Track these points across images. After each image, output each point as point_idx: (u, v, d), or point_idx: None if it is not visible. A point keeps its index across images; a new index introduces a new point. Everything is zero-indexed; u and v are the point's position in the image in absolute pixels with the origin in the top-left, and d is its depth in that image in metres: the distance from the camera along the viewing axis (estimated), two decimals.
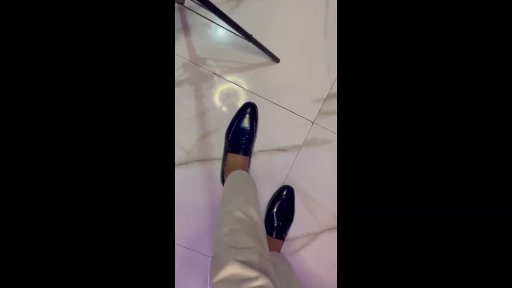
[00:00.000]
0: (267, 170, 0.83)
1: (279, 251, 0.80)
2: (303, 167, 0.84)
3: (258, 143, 0.81)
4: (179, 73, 0.76)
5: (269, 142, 0.82)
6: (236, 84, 0.78)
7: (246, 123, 0.75)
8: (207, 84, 0.77)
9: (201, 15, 0.60)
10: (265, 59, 0.76)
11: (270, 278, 0.40)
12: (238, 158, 0.72)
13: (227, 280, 0.39)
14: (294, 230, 0.86)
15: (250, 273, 0.39)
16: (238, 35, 0.58)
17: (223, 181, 0.78)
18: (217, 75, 0.77)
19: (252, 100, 0.78)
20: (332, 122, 0.82)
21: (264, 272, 0.40)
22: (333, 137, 0.83)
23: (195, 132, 0.80)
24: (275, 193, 0.83)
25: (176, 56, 0.75)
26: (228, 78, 0.77)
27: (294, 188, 0.84)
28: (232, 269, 0.39)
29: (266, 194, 0.85)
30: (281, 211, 0.81)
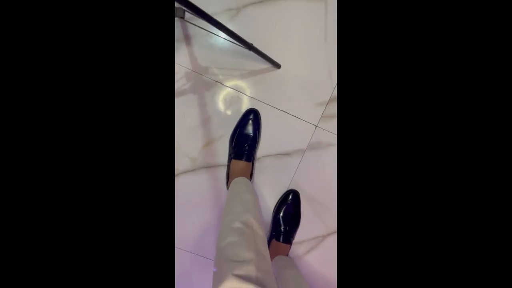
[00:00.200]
0: (272, 174, 0.84)
1: (287, 255, 0.81)
2: (308, 171, 0.84)
3: (263, 148, 0.82)
4: (182, 83, 0.77)
5: (273, 147, 0.82)
6: (238, 91, 0.79)
7: (248, 129, 0.76)
8: (210, 92, 0.79)
9: (201, 27, 0.61)
10: (266, 65, 0.77)
11: (264, 286, 0.40)
12: (241, 164, 0.74)
13: None
14: (301, 234, 0.87)
15: (246, 286, 0.40)
16: (238, 45, 0.59)
17: (228, 187, 0.79)
18: (220, 83, 0.78)
19: (255, 106, 0.79)
20: (335, 125, 0.82)
21: (261, 284, 0.41)
22: (337, 140, 0.83)
23: (200, 140, 0.81)
24: (280, 197, 0.84)
25: (178, 66, 0.76)
26: (231, 85, 0.79)
27: (299, 192, 0.84)
28: (229, 284, 0.40)
29: (271, 199, 0.85)
30: (287, 215, 0.81)
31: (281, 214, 0.81)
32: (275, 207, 0.84)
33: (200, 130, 0.80)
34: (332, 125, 0.82)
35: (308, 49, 0.78)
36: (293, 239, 0.83)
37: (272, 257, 0.77)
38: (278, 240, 0.79)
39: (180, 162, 0.82)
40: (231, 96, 0.79)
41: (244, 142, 0.75)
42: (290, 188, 0.84)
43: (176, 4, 0.40)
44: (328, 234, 0.89)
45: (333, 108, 0.81)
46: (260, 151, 0.82)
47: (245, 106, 0.79)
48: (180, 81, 0.77)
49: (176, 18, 0.67)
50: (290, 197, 0.82)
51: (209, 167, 0.83)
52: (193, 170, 0.83)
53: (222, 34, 0.75)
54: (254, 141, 0.76)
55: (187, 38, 0.76)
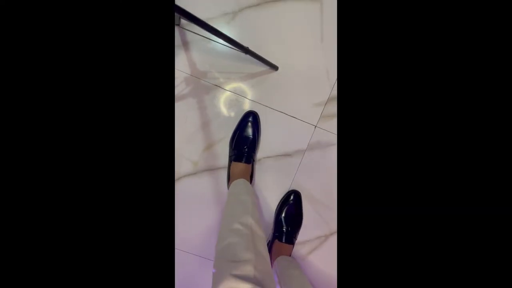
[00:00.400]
0: (273, 176, 0.84)
1: (290, 256, 0.81)
2: (308, 171, 0.84)
3: (263, 150, 0.83)
4: (182, 87, 0.79)
5: (273, 148, 0.83)
6: (237, 94, 0.80)
7: (248, 131, 0.77)
8: (209, 96, 0.80)
9: (196, 33, 0.62)
10: (264, 67, 0.78)
11: (262, 285, 0.41)
12: (241, 166, 0.74)
13: None
14: (303, 234, 0.87)
15: (244, 285, 0.40)
16: (235, 49, 0.60)
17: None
18: (218, 86, 0.79)
19: (254, 108, 0.80)
20: (334, 125, 0.82)
21: (259, 283, 0.41)
22: (336, 140, 0.83)
23: (200, 143, 0.82)
24: (282, 198, 0.84)
25: (177, 71, 0.77)
26: (229, 88, 0.80)
27: (301, 192, 0.85)
28: (228, 284, 0.41)
29: (273, 200, 0.86)
30: (289, 216, 0.82)
31: (283, 214, 0.81)
32: (277, 208, 0.85)
33: (200, 134, 0.81)
34: (331, 125, 0.82)
35: (305, 50, 0.79)
36: (296, 239, 0.84)
37: (275, 257, 0.77)
38: (280, 240, 0.79)
39: (182, 165, 0.83)
40: (230, 99, 0.80)
41: (243, 144, 0.76)
42: (291, 188, 0.85)
43: None
44: (331, 234, 0.89)
45: (332, 108, 0.81)
46: (261, 153, 0.83)
47: (244, 108, 0.80)
48: (180, 86, 0.78)
49: None
50: (292, 197, 0.83)
51: (211, 170, 0.83)
52: (195, 173, 0.84)
53: (218, 39, 0.76)
54: (253, 143, 0.77)
55: (185, 44, 0.77)
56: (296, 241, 0.86)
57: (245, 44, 0.61)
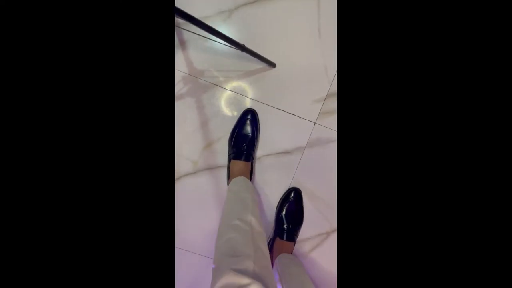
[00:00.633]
0: (273, 173, 0.84)
1: (291, 253, 0.81)
2: (308, 168, 0.84)
3: (262, 148, 0.82)
4: (180, 87, 0.78)
5: (273, 146, 0.83)
6: (235, 92, 0.80)
7: (247, 129, 0.76)
8: (207, 94, 0.79)
9: (193, 32, 0.62)
10: (262, 65, 0.78)
11: (264, 282, 0.41)
12: (240, 164, 0.74)
13: None
14: (305, 231, 0.87)
15: (243, 280, 0.40)
16: (232, 47, 0.60)
17: None
18: (216, 85, 0.79)
19: (252, 106, 0.80)
20: (333, 121, 0.82)
21: (258, 278, 0.41)
22: (336, 136, 0.83)
23: (200, 142, 0.82)
24: (282, 195, 0.84)
25: (175, 71, 0.77)
26: (227, 86, 0.79)
27: (301, 190, 0.84)
28: (228, 279, 0.41)
29: (274, 198, 0.86)
30: (289, 213, 0.81)
31: (284, 212, 0.81)
32: (277, 205, 0.85)
33: (199, 133, 0.81)
34: (330, 121, 0.82)
35: (302, 47, 0.78)
36: (297, 237, 0.84)
37: (276, 255, 0.77)
38: (281, 238, 0.79)
39: (182, 165, 0.83)
40: (228, 98, 0.80)
41: (242, 142, 0.76)
42: (291, 186, 0.85)
43: None
44: (332, 231, 0.89)
45: (331, 104, 0.81)
46: (260, 151, 0.83)
47: (242, 106, 0.80)
48: (177, 86, 0.78)
49: None
50: (292, 195, 0.82)
51: (210, 169, 0.83)
52: (195, 172, 0.84)
53: (214, 38, 0.76)
54: (252, 141, 0.76)
55: (182, 43, 0.76)
56: (298, 239, 0.86)
57: (241, 41, 0.61)
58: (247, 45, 0.63)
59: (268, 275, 0.44)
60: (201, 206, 0.86)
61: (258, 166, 0.83)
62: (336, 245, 0.89)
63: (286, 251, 0.79)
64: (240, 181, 0.68)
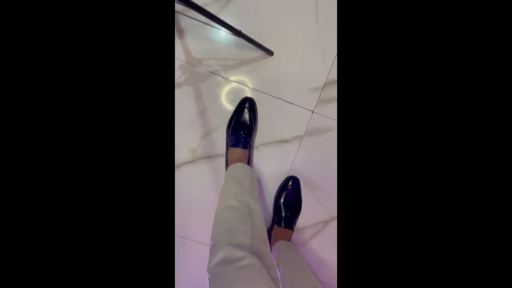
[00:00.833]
0: (271, 162, 0.85)
1: (289, 241, 0.81)
2: (307, 157, 0.84)
3: (260, 137, 0.83)
4: (178, 75, 0.79)
5: (271, 135, 0.83)
6: (233, 81, 0.80)
7: (244, 117, 0.77)
8: (205, 83, 0.80)
9: (191, 17, 0.62)
10: (259, 53, 0.78)
11: (259, 257, 0.42)
12: (238, 151, 0.75)
13: (219, 263, 0.42)
14: (303, 220, 0.87)
15: (239, 254, 0.41)
16: (228, 32, 0.60)
17: None
18: (214, 73, 0.79)
19: (250, 95, 0.80)
20: (331, 110, 0.82)
21: (254, 252, 0.42)
22: (334, 125, 0.83)
23: (198, 131, 0.82)
24: (281, 184, 0.85)
25: None
26: (225, 75, 0.79)
27: (299, 178, 0.85)
28: (224, 253, 0.42)
29: (272, 186, 0.86)
30: (288, 201, 0.82)
31: (282, 200, 0.82)
32: (275, 194, 0.85)
33: (198, 122, 0.82)
34: (328, 110, 0.82)
35: (300, 34, 0.78)
36: (295, 225, 0.84)
37: (274, 242, 0.78)
38: (279, 225, 0.80)
39: (180, 153, 0.83)
40: (226, 86, 0.80)
41: (240, 130, 0.76)
42: (290, 174, 0.85)
43: None
44: (331, 219, 0.89)
45: (329, 93, 0.81)
46: (258, 139, 0.83)
47: (240, 95, 0.80)
48: (176, 74, 0.79)
49: None
50: (290, 183, 0.83)
51: (209, 157, 0.84)
52: (193, 161, 0.84)
53: (212, 23, 0.76)
54: (250, 129, 0.77)
55: (180, 31, 0.77)
56: (296, 227, 0.86)
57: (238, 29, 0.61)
58: (244, 33, 0.63)
59: (264, 251, 0.45)
60: (199, 194, 0.86)
61: (256, 155, 0.84)
62: (335, 234, 0.89)
63: (284, 238, 0.79)
64: (238, 166, 0.68)
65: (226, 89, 0.80)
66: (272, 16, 0.77)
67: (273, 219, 0.83)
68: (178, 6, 0.73)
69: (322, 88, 0.80)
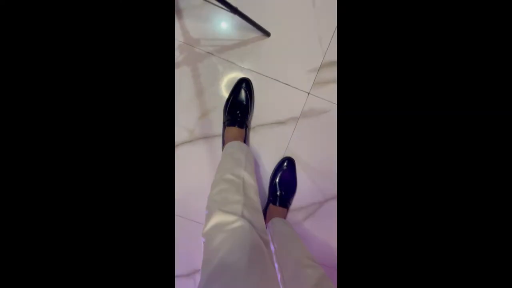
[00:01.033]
0: (267, 143, 0.86)
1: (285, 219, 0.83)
2: (302, 138, 0.86)
3: (256, 118, 0.84)
4: (176, 55, 0.80)
5: (267, 116, 0.84)
6: (230, 61, 0.81)
7: (241, 97, 0.78)
8: (203, 63, 0.81)
9: None
10: (257, 34, 0.79)
11: (252, 223, 0.43)
12: (234, 130, 0.76)
13: (213, 228, 0.44)
14: (298, 200, 0.89)
15: (231, 218, 0.43)
16: (224, 9, 0.61)
17: None
18: (212, 54, 0.80)
19: (247, 75, 0.81)
20: (327, 92, 0.83)
21: (246, 218, 0.44)
22: (330, 106, 0.84)
23: (196, 111, 0.84)
24: (276, 165, 0.86)
25: None
26: (223, 56, 0.81)
27: (295, 160, 0.86)
28: (217, 218, 0.44)
29: (268, 167, 0.88)
30: (283, 181, 0.84)
31: (277, 180, 0.83)
32: (271, 174, 0.87)
33: (195, 102, 0.83)
34: (324, 92, 0.83)
35: (297, 16, 0.79)
36: (290, 204, 0.86)
37: (269, 219, 0.80)
38: (275, 204, 0.82)
39: (178, 133, 0.85)
40: (224, 67, 0.81)
41: (236, 109, 0.78)
42: (285, 155, 0.87)
43: None
44: (326, 201, 0.91)
45: (325, 75, 0.82)
46: (254, 120, 0.84)
47: (237, 75, 0.82)
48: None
49: None
50: (286, 164, 0.84)
51: (206, 137, 0.85)
52: (190, 141, 0.86)
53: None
54: (246, 108, 0.78)
55: (178, 12, 0.78)
56: (291, 207, 0.88)
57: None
58: (241, 11, 0.64)
59: (257, 219, 0.47)
60: (197, 174, 0.88)
61: (252, 136, 0.85)
62: (329, 215, 0.91)
63: (279, 216, 0.81)
64: (234, 144, 0.70)
65: (223, 69, 0.81)
66: None
67: (268, 198, 0.85)
68: None
69: (318, 70, 0.82)
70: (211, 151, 0.86)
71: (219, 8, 0.64)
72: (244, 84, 0.78)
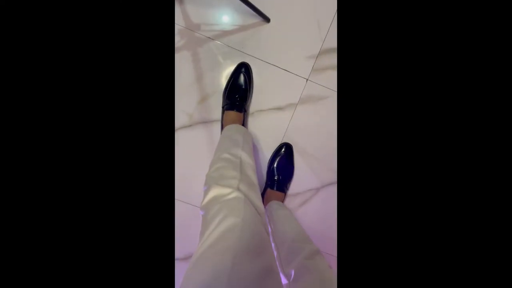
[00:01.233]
0: (265, 129, 0.87)
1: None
2: (300, 124, 0.87)
3: (255, 103, 0.85)
4: (176, 40, 0.81)
5: (265, 101, 0.85)
6: (230, 46, 0.82)
7: (240, 82, 0.79)
8: (203, 48, 0.82)
9: None
10: (257, 19, 0.80)
11: (247, 197, 0.45)
12: (233, 114, 0.77)
13: (210, 201, 0.46)
14: (295, 186, 0.90)
15: (226, 191, 0.45)
16: None
17: None
18: (212, 39, 0.81)
19: (246, 60, 0.82)
20: (326, 78, 0.84)
21: (244, 194, 0.45)
22: (328, 93, 0.85)
23: (195, 96, 0.85)
24: (274, 150, 0.88)
25: None
26: (223, 41, 0.82)
27: (293, 146, 0.87)
28: (214, 192, 0.46)
29: (266, 153, 0.89)
30: (280, 166, 0.85)
31: (275, 165, 0.85)
32: (269, 159, 0.88)
33: (195, 86, 0.84)
34: (322, 78, 0.84)
35: (296, 2, 0.80)
36: (287, 189, 0.87)
37: (267, 203, 0.81)
38: (272, 188, 0.83)
39: (178, 118, 0.86)
40: (223, 52, 0.82)
41: (235, 94, 0.79)
42: (283, 141, 0.88)
43: None
44: (322, 187, 0.92)
45: (323, 61, 0.83)
46: (253, 106, 0.85)
47: (237, 60, 0.82)
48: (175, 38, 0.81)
49: None
50: (283, 149, 0.86)
51: (205, 122, 0.87)
52: (190, 125, 0.87)
53: None
54: (245, 93, 0.79)
55: None
56: (288, 193, 0.90)
57: None
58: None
59: (253, 193, 0.48)
60: (196, 159, 0.89)
61: (251, 121, 0.86)
62: (325, 201, 0.93)
63: (276, 200, 0.82)
64: (232, 126, 0.71)
65: (223, 54, 0.82)
66: None
67: (266, 183, 0.86)
68: None
69: (317, 57, 0.83)
70: (210, 135, 0.87)
71: None
72: (243, 69, 0.79)
